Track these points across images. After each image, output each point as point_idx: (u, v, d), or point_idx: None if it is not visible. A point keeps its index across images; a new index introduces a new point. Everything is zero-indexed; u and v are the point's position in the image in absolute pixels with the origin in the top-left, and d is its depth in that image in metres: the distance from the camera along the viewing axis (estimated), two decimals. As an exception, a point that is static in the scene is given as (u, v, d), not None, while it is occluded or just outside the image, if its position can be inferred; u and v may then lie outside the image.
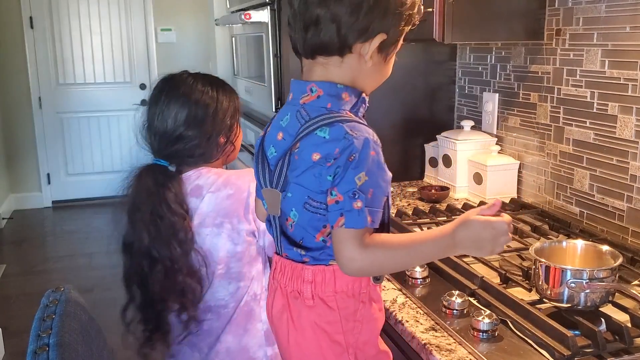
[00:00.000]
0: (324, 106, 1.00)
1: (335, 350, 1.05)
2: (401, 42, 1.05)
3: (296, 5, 1.00)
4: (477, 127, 2.06)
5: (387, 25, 1.00)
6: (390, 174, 1.01)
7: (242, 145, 1.71)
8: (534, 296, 1.16)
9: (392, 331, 1.21)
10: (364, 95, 1.04)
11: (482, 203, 1.78)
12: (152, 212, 1.30)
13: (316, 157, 0.97)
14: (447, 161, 2.02)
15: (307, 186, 0.99)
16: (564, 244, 1.23)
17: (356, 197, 0.94)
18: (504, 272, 1.27)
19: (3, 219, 4.90)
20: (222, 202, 1.35)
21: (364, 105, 1.05)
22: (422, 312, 1.18)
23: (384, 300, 1.23)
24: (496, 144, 1.97)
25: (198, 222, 1.35)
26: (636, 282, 1.25)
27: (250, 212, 1.36)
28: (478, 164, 1.90)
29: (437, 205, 1.78)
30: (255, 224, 1.38)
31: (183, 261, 1.32)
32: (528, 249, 1.28)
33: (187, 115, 1.36)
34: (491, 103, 2.00)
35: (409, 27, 1.04)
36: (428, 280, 1.29)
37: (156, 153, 1.39)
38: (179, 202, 1.32)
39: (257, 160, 1.10)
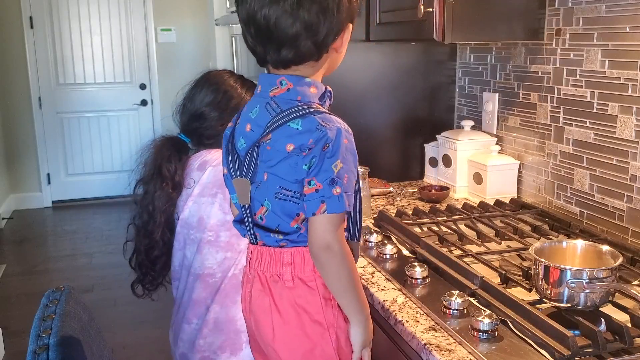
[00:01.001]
0: (294, 99, 1.04)
1: (317, 330, 1.09)
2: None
3: (262, 23, 1.00)
4: (477, 127, 2.06)
5: (351, 14, 1.06)
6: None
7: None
8: (534, 296, 1.16)
9: (392, 331, 1.21)
10: (328, 87, 1.09)
11: (482, 203, 1.79)
12: (153, 173, 1.52)
13: (290, 147, 1.01)
14: (447, 161, 2.02)
15: (282, 176, 1.04)
16: (564, 244, 1.23)
17: (335, 183, 0.99)
18: (504, 272, 1.27)
19: (3, 219, 4.90)
20: (219, 175, 1.47)
21: (330, 97, 1.09)
22: (422, 312, 1.17)
23: (384, 301, 1.23)
24: (496, 144, 1.97)
25: (198, 192, 1.51)
26: (636, 282, 1.25)
27: None
28: (478, 164, 1.90)
29: (437, 205, 1.78)
30: None
31: (157, 220, 1.52)
32: (528, 249, 1.28)
33: (212, 100, 1.56)
34: (491, 103, 2.00)
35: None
36: (428, 280, 1.29)
37: (181, 128, 1.60)
38: (172, 175, 1.51)
39: (226, 152, 1.14)
